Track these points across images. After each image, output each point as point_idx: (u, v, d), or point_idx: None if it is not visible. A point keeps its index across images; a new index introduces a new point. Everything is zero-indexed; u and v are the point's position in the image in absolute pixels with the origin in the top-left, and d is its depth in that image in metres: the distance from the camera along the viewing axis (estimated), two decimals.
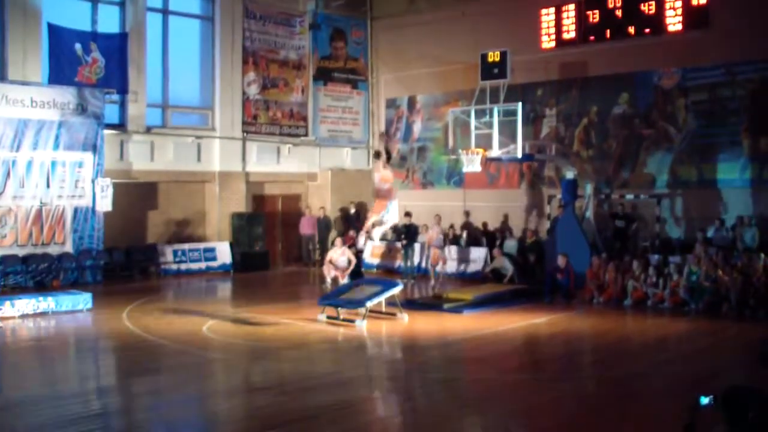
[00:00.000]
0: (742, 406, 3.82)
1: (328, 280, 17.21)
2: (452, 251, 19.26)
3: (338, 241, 17.58)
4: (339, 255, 16.94)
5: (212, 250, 20.63)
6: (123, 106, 19.55)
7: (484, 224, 20.76)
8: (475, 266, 19.01)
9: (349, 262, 16.72)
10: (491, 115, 18.04)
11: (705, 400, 4.00)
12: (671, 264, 15.17)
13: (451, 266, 19.13)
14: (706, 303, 14.06)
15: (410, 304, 14.64)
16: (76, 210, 17.93)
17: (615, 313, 14.41)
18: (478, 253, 19.16)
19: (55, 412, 8.08)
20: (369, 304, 12.83)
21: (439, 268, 18.17)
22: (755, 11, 17.22)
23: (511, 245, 18.95)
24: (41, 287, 16.56)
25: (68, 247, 17.80)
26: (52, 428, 7.60)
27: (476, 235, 20.56)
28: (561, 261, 15.74)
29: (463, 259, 19.33)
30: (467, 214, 21.53)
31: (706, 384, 9.12)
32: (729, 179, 17.65)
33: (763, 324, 12.99)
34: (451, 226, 20.23)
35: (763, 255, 14.39)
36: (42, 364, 10.75)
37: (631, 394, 8.96)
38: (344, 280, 16.22)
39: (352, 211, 22.45)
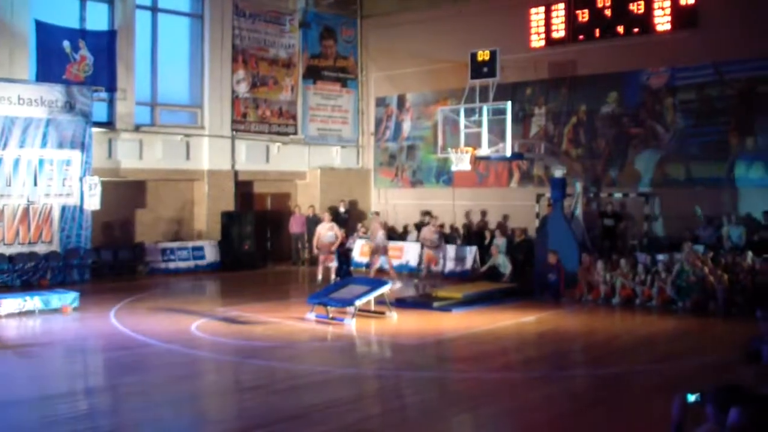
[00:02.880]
0: (728, 403, 3.83)
1: (319, 277, 17.37)
2: (447, 250, 19.29)
3: (326, 215, 17.90)
4: (326, 230, 17.35)
5: (201, 248, 20.58)
6: (111, 104, 19.47)
7: (480, 223, 20.81)
8: (465, 265, 19.03)
9: (336, 237, 17.17)
10: (480, 114, 18.06)
11: (692, 398, 4.01)
12: (659, 262, 15.23)
13: (447, 265, 19.14)
14: (693, 301, 14.12)
15: (400, 302, 14.64)
16: (63, 208, 17.83)
17: (604, 311, 14.46)
18: (467, 252, 19.17)
19: (41, 412, 8.02)
20: (358, 302, 12.84)
21: (432, 267, 18.32)
22: (743, 11, 17.33)
23: (500, 244, 18.97)
24: (28, 286, 16.46)
25: (55, 246, 17.70)
26: (38, 429, 7.56)
27: (467, 234, 20.60)
28: (552, 259, 15.75)
29: (455, 257, 19.34)
30: (468, 213, 21.64)
31: (694, 382, 9.17)
32: (716, 178, 17.75)
33: (750, 322, 13.04)
34: (441, 225, 20.22)
35: (750, 253, 14.48)
36: (28, 364, 10.67)
37: (620, 391, 9.00)
38: (332, 253, 17.09)
39: (342, 209, 22.41)
